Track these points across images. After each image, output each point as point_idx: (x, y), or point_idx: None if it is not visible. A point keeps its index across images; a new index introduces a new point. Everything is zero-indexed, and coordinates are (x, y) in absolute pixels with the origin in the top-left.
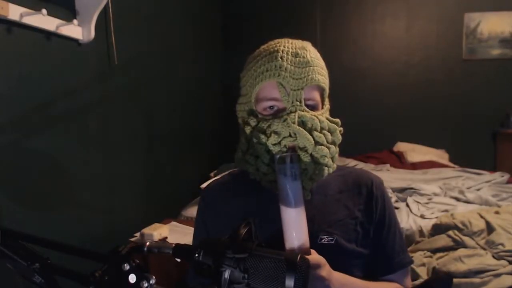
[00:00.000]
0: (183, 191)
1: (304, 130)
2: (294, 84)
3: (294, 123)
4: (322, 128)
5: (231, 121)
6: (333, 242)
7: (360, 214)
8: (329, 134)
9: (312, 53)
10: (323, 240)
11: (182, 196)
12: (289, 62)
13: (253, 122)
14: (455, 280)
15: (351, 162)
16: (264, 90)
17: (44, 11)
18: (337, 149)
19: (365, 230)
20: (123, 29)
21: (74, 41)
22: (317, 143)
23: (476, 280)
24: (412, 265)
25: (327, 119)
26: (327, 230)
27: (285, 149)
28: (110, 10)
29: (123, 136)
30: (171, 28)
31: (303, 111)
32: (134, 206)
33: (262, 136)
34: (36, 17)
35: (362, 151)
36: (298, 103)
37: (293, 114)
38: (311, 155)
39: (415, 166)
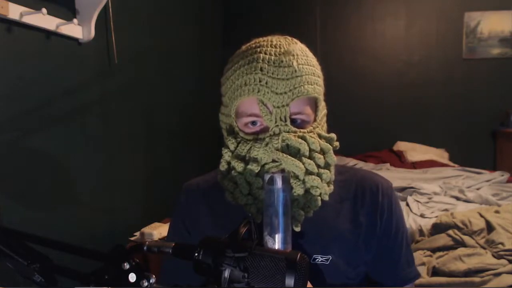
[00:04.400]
0: None
1: (289, 157)
2: (278, 100)
3: (277, 149)
4: (312, 151)
5: None
6: (327, 263)
7: (362, 228)
8: (322, 156)
9: (299, 57)
10: (317, 260)
11: None
12: (271, 74)
13: (232, 144)
14: (455, 279)
15: (351, 162)
16: (244, 105)
17: (44, 10)
18: (332, 171)
19: (367, 245)
20: (123, 28)
21: (74, 40)
22: (307, 171)
23: (476, 279)
24: None
25: (320, 136)
26: (322, 248)
27: (275, 169)
28: (110, 9)
29: (123, 136)
30: (171, 27)
31: (288, 131)
32: (134, 206)
33: (240, 165)
34: (36, 16)
35: (362, 150)
36: (283, 122)
37: (276, 137)
38: (303, 182)
39: (415, 165)
